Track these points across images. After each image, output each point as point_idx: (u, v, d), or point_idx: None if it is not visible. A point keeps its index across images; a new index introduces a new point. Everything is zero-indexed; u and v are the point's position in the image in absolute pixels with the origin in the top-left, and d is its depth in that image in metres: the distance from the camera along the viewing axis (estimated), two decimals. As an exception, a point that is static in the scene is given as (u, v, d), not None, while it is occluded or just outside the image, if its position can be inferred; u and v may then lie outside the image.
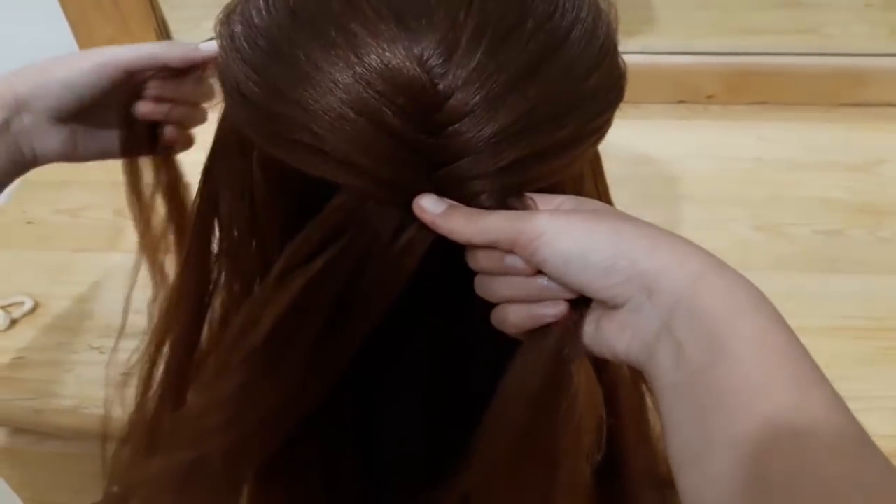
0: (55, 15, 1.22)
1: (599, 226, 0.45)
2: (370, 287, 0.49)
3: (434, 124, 0.45)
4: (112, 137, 0.75)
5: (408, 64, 0.44)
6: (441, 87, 0.45)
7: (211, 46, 0.65)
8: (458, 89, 0.45)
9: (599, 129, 0.52)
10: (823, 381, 0.42)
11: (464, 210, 0.47)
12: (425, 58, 0.45)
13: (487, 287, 0.49)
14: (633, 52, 1.21)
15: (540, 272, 0.46)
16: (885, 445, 0.79)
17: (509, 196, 0.47)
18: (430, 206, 0.46)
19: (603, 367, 0.59)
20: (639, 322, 0.45)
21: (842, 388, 0.90)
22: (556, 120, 0.47)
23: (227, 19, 0.51)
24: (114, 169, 1.20)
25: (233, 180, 0.55)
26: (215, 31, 0.52)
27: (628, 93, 0.53)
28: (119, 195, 1.14)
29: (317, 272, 0.48)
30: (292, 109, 0.46)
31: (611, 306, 0.46)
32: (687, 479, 0.42)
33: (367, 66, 0.45)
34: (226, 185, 0.56)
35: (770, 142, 1.20)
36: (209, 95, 0.75)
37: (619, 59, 0.53)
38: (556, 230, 0.45)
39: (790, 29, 1.33)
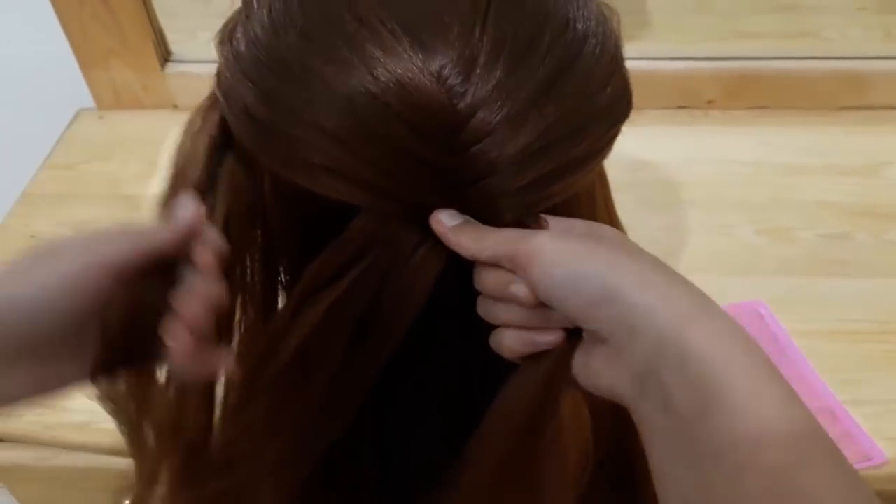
0: (52, 26, 1.22)
1: (595, 255, 0.45)
2: (392, 305, 0.48)
3: (457, 144, 0.44)
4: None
5: (426, 83, 0.43)
6: (461, 106, 0.44)
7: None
8: (479, 108, 0.44)
9: (612, 140, 0.52)
10: (824, 435, 0.41)
11: (474, 226, 0.46)
12: (444, 76, 0.44)
13: (488, 309, 0.49)
14: (633, 58, 1.19)
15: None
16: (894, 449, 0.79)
17: (529, 213, 0.47)
18: (445, 220, 0.46)
19: None
20: (623, 359, 0.44)
21: (848, 391, 0.91)
22: (574, 135, 0.47)
23: (228, 39, 0.50)
24: (115, 182, 1.21)
25: (241, 203, 0.54)
26: (216, 50, 0.51)
27: (628, 99, 0.53)
28: (122, 208, 1.15)
29: (342, 293, 0.48)
30: (308, 132, 0.45)
31: (598, 339, 0.45)
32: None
33: (384, 86, 0.44)
34: (234, 209, 0.54)
35: (771, 146, 1.21)
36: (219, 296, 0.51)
37: (626, 68, 0.52)
38: (552, 252, 0.45)
39: (787, 33, 1.34)
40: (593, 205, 0.55)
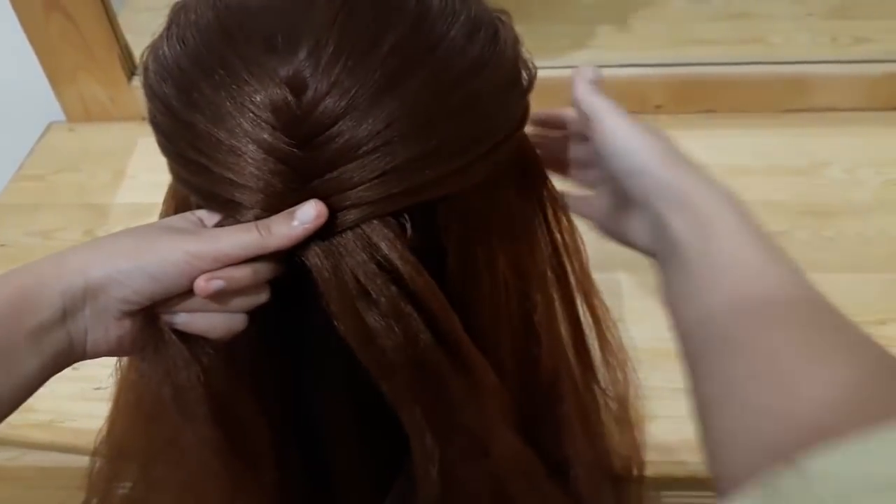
0: (22, 45, 1.26)
1: (637, 136, 0.59)
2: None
3: (302, 137, 0.48)
4: None
5: (272, 82, 0.48)
6: (304, 102, 0.48)
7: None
8: (320, 102, 0.48)
9: (498, 137, 0.54)
10: (797, 267, 0.56)
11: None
12: (290, 76, 0.48)
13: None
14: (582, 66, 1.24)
15: None
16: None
17: (388, 207, 0.50)
18: (587, 73, 0.64)
19: (537, 362, 0.62)
20: (645, 216, 0.60)
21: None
22: (425, 130, 0.50)
23: (146, 58, 0.55)
24: (83, 191, 1.23)
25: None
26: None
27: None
28: (88, 216, 1.17)
29: None
30: (182, 130, 0.51)
31: (634, 202, 0.61)
32: (684, 313, 0.56)
33: (239, 87, 0.49)
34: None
35: (717, 149, 1.20)
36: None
37: (519, 72, 0.56)
38: (614, 124, 0.60)
39: (735, 39, 1.37)
40: (491, 202, 0.57)
